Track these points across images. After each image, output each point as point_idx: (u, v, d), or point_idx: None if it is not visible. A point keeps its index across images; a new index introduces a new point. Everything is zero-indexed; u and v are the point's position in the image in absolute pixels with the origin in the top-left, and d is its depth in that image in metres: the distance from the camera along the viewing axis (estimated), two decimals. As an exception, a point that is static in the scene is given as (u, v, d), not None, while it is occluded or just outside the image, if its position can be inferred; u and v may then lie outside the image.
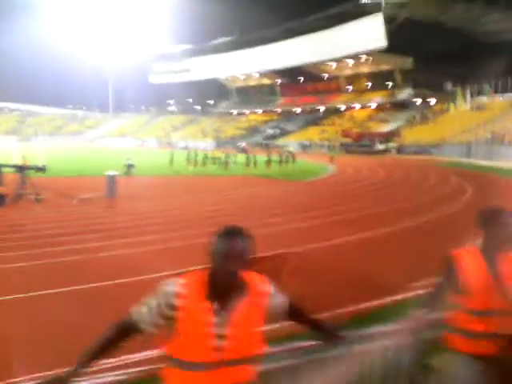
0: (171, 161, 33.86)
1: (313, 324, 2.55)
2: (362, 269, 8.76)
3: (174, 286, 2.12)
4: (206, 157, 35.12)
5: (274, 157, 36.29)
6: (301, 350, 2.71)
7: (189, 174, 29.96)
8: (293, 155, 37.91)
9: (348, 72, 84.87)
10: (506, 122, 48.91)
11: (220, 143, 72.17)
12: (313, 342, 2.66)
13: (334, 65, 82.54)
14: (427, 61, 67.99)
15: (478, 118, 55.10)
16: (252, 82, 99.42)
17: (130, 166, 27.82)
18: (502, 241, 2.81)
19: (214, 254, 2.11)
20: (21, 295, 6.91)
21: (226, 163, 34.39)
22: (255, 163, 34.41)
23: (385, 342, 2.98)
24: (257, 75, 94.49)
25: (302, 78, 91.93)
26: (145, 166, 32.59)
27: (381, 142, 59.57)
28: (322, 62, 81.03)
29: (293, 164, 36.18)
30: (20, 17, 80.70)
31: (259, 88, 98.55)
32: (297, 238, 11.36)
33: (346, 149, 60.65)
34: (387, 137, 61.54)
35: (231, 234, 2.14)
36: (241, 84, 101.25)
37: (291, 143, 62.20)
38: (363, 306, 6.64)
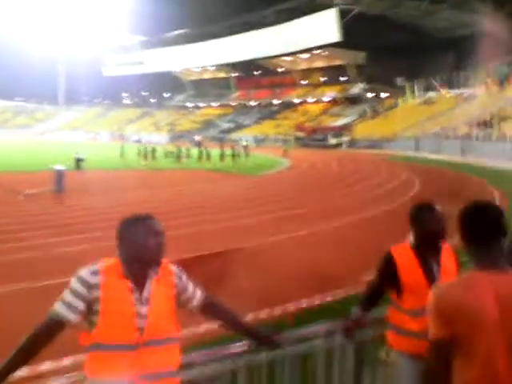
0: (122, 154, 33.28)
1: (237, 325, 2.53)
2: (313, 263, 8.88)
3: (92, 266, 2.14)
4: (155, 150, 34.40)
5: (228, 151, 36.23)
6: (235, 354, 2.63)
7: (141, 168, 29.56)
8: (246, 149, 37.94)
9: (302, 66, 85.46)
10: (453, 117, 50.53)
11: (174, 137, 71.39)
12: (246, 346, 2.60)
13: (288, 59, 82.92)
14: (379, 56, 69.11)
15: (426, 113, 56.67)
16: (207, 76, 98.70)
17: (79, 160, 27.12)
18: (430, 237, 2.79)
19: (133, 236, 2.16)
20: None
21: (179, 157, 34.08)
22: (208, 157, 34.23)
23: (321, 342, 2.96)
24: (212, 68, 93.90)
25: (257, 72, 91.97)
26: (96, 159, 31.88)
27: (334, 136, 60.40)
28: (277, 56, 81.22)
29: (246, 158, 36.24)
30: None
31: (214, 81, 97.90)
32: (248, 233, 11.41)
33: (300, 143, 61.20)
34: (340, 131, 62.46)
35: (147, 217, 2.23)
36: (196, 77, 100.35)
37: (246, 137, 62.21)
38: (313, 300, 6.74)
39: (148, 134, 74.00)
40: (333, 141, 59.17)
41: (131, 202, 16.40)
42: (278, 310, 6.46)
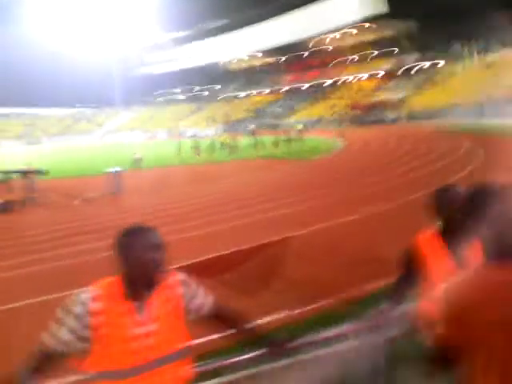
0: (178, 150, 33.75)
1: (247, 331, 2.38)
2: (373, 246, 8.56)
3: (88, 292, 2.02)
4: (212, 143, 34.77)
5: (282, 137, 35.93)
6: (241, 363, 2.49)
7: (197, 162, 29.83)
8: (301, 133, 37.50)
9: (351, 42, 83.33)
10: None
11: (229, 127, 71.79)
12: (255, 354, 2.44)
13: (336, 36, 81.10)
14: (431, 22, 66.17)
15: (488, 76, 53.76)
16: (256, 62, 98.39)
17: (137, 160, 27.78)
18: (453, 221, 2.54)
19: (130, 251, 2.02)
20: (31, 300, 6.86)
21: (233, 147, 34.12)
22: (263, 145, 34.09)
23: (346, 344, 2.75)
24: (260, 55, 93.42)
25: (306, 53, 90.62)
26: (153, 158, 32.54)
27: (390, 111, 58.62)
28: (325, 34, 79.63)
29: (301, 142, 35.79)
30: (9, 17, 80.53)
31: (264, 67, 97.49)
32: (304, 220, 11.15)
33: (357, 121, 59.86)
34: (397, 105, 60.52)
35: (145, 228, 2.11)
36: (245, 65, 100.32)
37: (300, 120, 61.57)
38: (371, 285, 6.47)
39: (203, 127, 74.86)
40: (390, 116, 57.47)
41: (185, 197, 16.54)
42: (324, 302, 6.20)
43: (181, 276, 2.17)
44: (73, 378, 2.14)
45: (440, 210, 2.64)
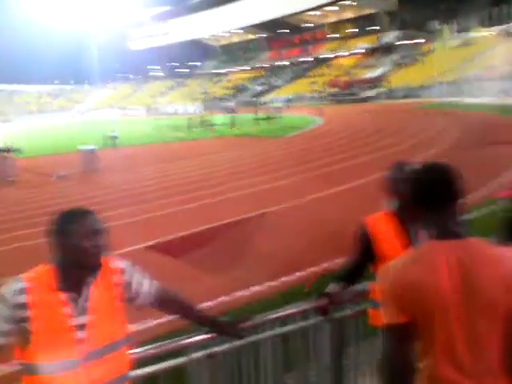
0: (156, 128, 33.49)
1: (195, 316, 2.34)
2: (345, 221, 8.64)
3: (18, 282, 1.86)
4: (190, 121, 34.56)
5: (261, 115, 35.90)
6: (190, 346, 2.45)
7: (174, 139, 29.65)
8: (279, 111, 37.49)
9: (332, 19, 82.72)
10: (494, 56, 47.99)
11: (208, 105, 71.20)
12: (204, 337, 2.41)
13: (316, 13, 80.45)
14: (411, 0, 66.07)
15: (466, 55, 54.07)
16: (236, 39, 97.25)
17: (113, 138, 27.50)
18: (404, 200, 2.44)
19: (65, 237, 1.86)
20: None
21: (212, 125, 33.96)
22: (242, 123, 34.02)
23: (295, 324, 2.74)
24: (240, 31, 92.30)
25: (286, 30, 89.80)
26: (130, 135, 32.23)
27: (369, 89, 58.74)
28: (305, 12, 78.91)
29: (279, 120, 35.77)
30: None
31: (244, 44, 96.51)
32: (277, 197, 11.26)
33: (335, 99, 59.89)
34: (375, 82, 60.61)
35: (82, 212, 1.93)
36: (225, 42, 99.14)
37: (280, 98, 61.40)
38: (331, 263, 6.57)
39: (182, 104, 74.11)
40: (369, 93, 57.61)
41: (160, 175, 16.52)
42: (294, 276, 6.32)
43: (122, 264, 2.04)
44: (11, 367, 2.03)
45: (394, 188, 2.56)
